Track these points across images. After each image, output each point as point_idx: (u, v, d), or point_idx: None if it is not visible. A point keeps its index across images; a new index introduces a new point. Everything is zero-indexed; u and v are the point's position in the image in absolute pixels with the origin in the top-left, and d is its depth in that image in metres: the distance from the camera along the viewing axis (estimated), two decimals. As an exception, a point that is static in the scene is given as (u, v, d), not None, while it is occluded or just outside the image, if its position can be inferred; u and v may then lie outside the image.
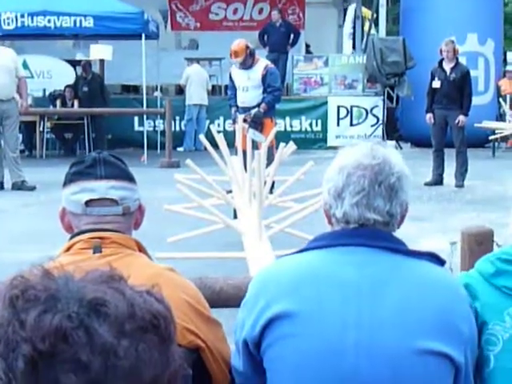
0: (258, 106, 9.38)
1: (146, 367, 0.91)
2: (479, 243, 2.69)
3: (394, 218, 1.90)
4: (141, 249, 2.09)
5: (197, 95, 15.00)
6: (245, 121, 9.05)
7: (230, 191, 6.18)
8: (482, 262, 2.01)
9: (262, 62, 9.67)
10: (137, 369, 0.90)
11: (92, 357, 0.88)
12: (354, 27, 17.37)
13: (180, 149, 14.54)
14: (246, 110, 9.40)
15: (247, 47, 9.37)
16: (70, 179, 2.09)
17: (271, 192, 6.37)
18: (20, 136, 11.87)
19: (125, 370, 0.89)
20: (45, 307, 0.90)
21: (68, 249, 2.03)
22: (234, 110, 9.73)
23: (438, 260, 1.94)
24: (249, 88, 9.43)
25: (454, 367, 1.81)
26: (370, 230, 1.88)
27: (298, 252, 1.97)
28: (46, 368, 0.87)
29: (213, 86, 16.20)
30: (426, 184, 10.45)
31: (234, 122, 9.41)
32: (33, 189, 10.21)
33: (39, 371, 0.87)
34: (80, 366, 0.87)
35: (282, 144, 5.99)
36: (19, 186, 10.26)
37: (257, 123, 9.28)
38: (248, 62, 9.38)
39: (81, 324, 0.89)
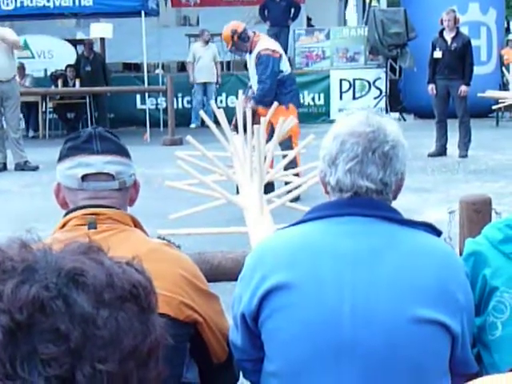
0: None
1: (125, 336, 0.91)
2: (477, 211, 2.67)
3: (387, 187, 1.88)
4: (136, 224, 2.08)
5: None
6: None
7: (232, 166, 6.15)
8: (490, 229, 1.99)
9: (259, 47, 8.12)
10: (116, 338, 0.90)
11: (71, 326, 0.87)
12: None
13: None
14: None
15: (234, 33, 8.11)
16: (65, 154, 2.07)
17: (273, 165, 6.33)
18: (22, 116, 11.85)
19: (104, 340, 0.89)
20: (22, 278, 0.90)
21: (63, 225, 2.02)
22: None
23: (434, 230, 1.93)
24: (253, 74, 8.22)
25: (451, 336, 1.81)
26: (365, 200, 1.87)
27: (293, 224, 1.96)
28: (24, 338, 0.87)
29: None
30: (430, 155, 10.42)
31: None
32: (35, 169, 10.22)
33: (18, 342, 0.87)
34: (59, 336, 0.87)
35: (281, 118, 5.96)
36: (22, 167, 10.29)
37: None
38: (242, 48, 8.25)
39: (59, 294, 0.89)
